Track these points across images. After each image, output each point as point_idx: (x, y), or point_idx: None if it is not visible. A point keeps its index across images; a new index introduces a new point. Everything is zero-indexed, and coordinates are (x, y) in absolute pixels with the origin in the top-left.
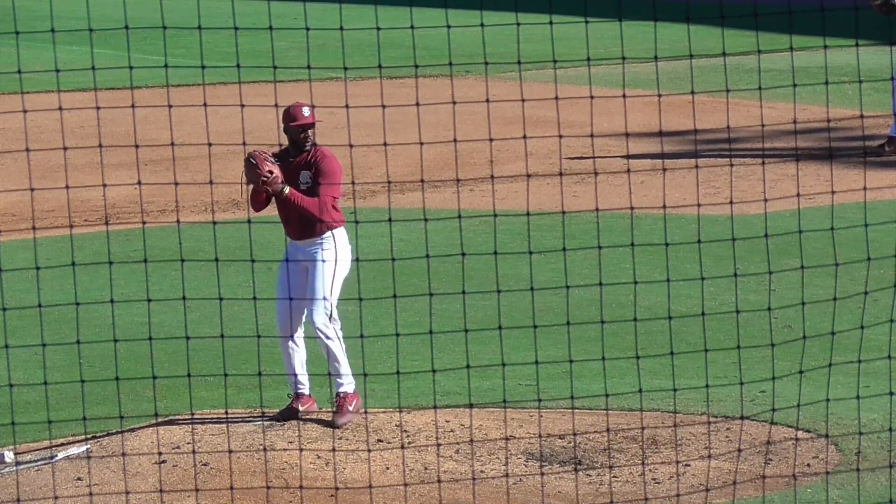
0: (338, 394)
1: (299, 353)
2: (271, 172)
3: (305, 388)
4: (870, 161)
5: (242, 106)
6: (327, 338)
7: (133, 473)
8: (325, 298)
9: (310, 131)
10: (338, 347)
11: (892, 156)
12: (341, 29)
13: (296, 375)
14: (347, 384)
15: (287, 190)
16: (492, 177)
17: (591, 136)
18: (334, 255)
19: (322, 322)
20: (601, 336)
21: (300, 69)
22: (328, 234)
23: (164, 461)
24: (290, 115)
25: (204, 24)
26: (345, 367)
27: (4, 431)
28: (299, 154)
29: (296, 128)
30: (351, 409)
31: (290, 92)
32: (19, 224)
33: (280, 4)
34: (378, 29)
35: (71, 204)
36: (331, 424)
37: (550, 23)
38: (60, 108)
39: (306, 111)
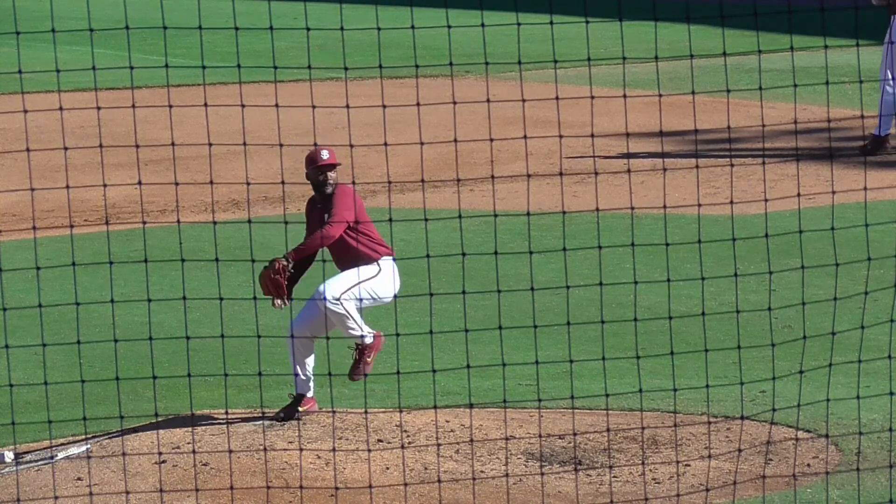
0: (357, 345)
1: (309, 355)
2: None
3: (309, 391)
4: (870, 161)
5: (243, 106)
6: (338, 310)
7: (133, 473)
8: (347, 285)
9: (329, 173)
10: (353, 311)
11: (882, 155)
12: (341, 29)
13: (298, 376)
14: (367, 336)
15: (289, 258)
16: (492, 177)
17: (592, 136)
18: (374, 270)
19: (332, 294)
20: (601, 336)
21: (300, 69)
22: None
23: (164, 461)
24: (309, 158)
25: (204, 24)
26: (363, 328)
27: (4, 431)
28: (323, 198)
29: (314, 170)
30: (369, 360)
31: (291, 92)
32: (19, 224)
33: (280, 4)
34: (378, 29)
35: (71, 204)
36: (350, 376)
37: (551, 23)
38: (61, 108)
39: (325, 154)
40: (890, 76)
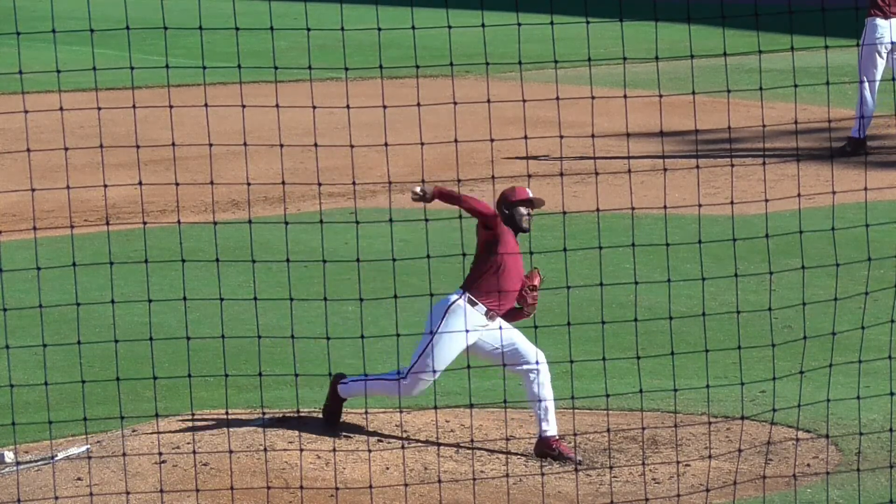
0: (552, 437)
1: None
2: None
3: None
4: (870, 161)
5: (243, 106)
6: (539, 381)
7: (133, 473)
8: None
9: (532, 210)
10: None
11: (883, 155)
12: (342, 29)
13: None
14: (552, 426)
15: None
16: (492, 177)
17: (592, 136)
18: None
19: (540, 356)
20: (601, 336)
21: (300, 69)
22: None
23: (164, 461)
24: (514, 192)
25: (204, 25)
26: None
27: (4, 431)
28: (517, 232)
29: (518, 203)
30: (561, 445)
31: (291, 92)
32: (19, 224)
33: (280, 4)
34: (378, 29)
35: (71, 204)
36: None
37: (551, 23)
38: (61, 109)
39: (530, 192)
40: (866, 79)
